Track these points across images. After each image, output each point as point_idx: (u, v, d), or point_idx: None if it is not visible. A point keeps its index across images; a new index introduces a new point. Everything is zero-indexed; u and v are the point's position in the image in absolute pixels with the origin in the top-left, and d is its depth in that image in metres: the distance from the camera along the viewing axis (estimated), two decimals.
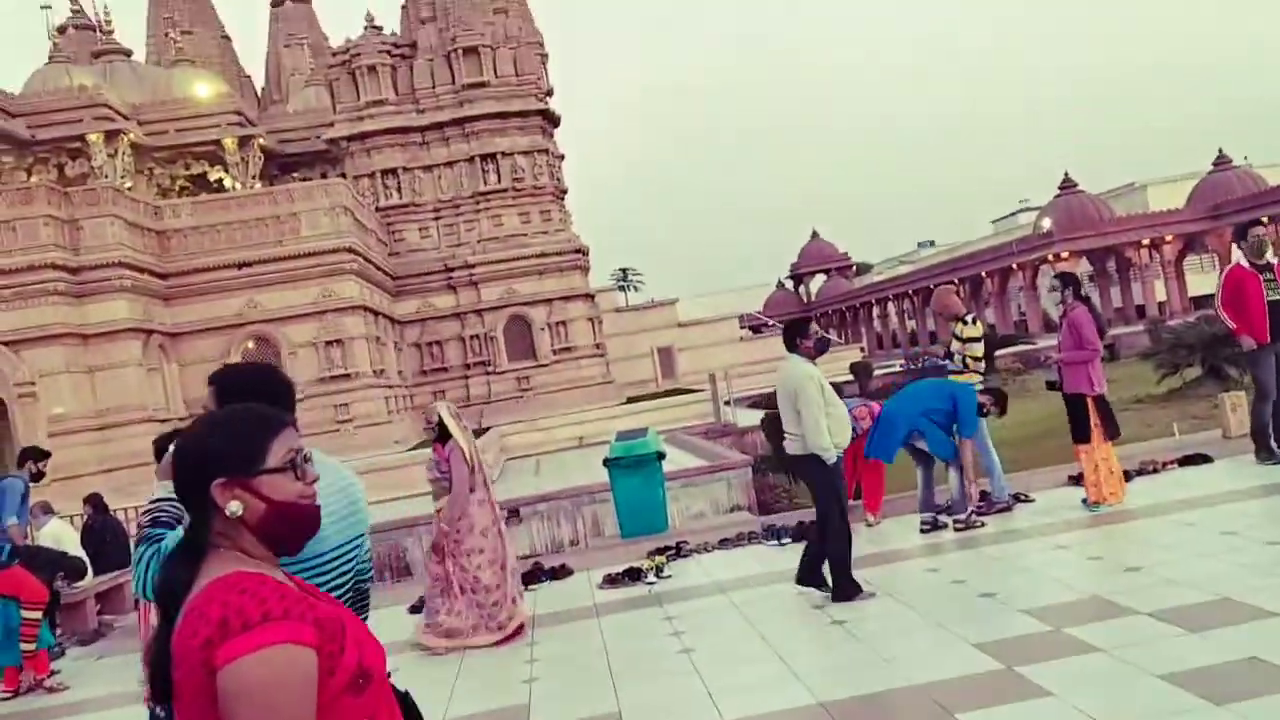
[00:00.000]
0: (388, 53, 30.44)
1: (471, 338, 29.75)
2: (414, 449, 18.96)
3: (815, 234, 76.89)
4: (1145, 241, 46.97)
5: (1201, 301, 48.30)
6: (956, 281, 50.83)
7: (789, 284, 78.39)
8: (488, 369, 29.72)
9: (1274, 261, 8.49)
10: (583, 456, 19.77)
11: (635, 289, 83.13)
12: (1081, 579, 5.83)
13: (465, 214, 30.36)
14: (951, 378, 8.47)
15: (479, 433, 23.34)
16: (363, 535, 2.39)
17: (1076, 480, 8.25)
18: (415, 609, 7.31)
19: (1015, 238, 54.53)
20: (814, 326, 6.60)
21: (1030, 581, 5.95)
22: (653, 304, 42.98)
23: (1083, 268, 48.60)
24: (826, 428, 6.06)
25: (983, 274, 54.24)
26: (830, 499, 6.17)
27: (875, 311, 72.34)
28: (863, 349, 50.14)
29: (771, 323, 51.89)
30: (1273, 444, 8.25)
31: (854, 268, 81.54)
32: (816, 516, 6.37)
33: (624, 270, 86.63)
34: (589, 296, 31.57)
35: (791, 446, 6.29)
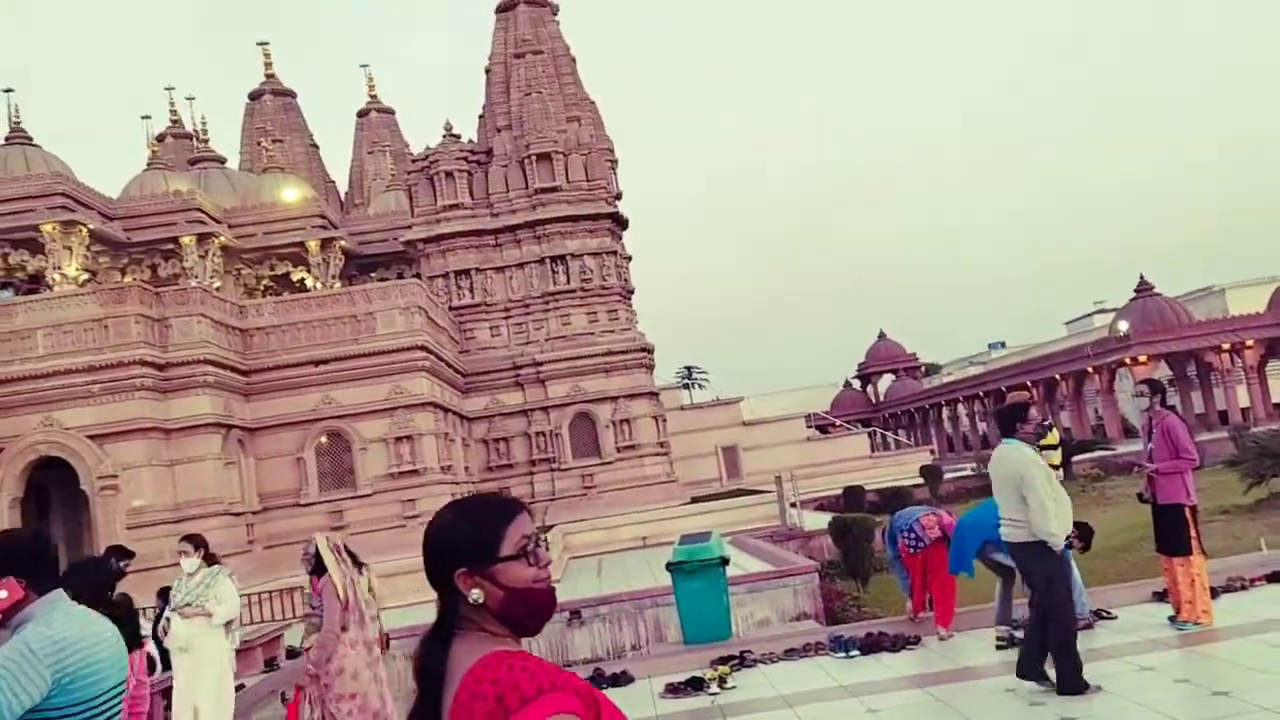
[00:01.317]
0: (464, 159, 31.60)
1: (537, 434, 29.99)
2: None
3: (882, 334, 76.50)
4: (1226, 346, 45.76)
5: None
6: (1029, 384, 49.96)
7: (856, 384, 77.82)
8: (553, 465, 29.84)
9: None
10: (645, 557, 19.59)
11: (700, 387, 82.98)
12: (1169, 704, 5.57)
13: (534, 313, 30.96)
14: None
15: (544, 530, 23.30)
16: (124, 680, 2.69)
17: (1161, 596, 7.93)
18: None
19: (1090, 340, 53.56)
20: (1033, 411, 6.61)
21: (1114, 707, 5.70)
22: (717, 402, 42.92)
23: (1161, 372, 47.44)
24: (1054, 514, 6.01)
25: (1056, 376, 53.18)
26: (1054, 587, 6.06)
27: (945, 413, 71.18)
28: (933, 451, 49.24)
29: (839, 423, 51.37)
30: None
31: (923, 368, 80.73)
32: (1037, 606, 6.19)
33: (689, 368, 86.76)
34: (654, 394, 31.71)
35: (1014, 534, 6.23)
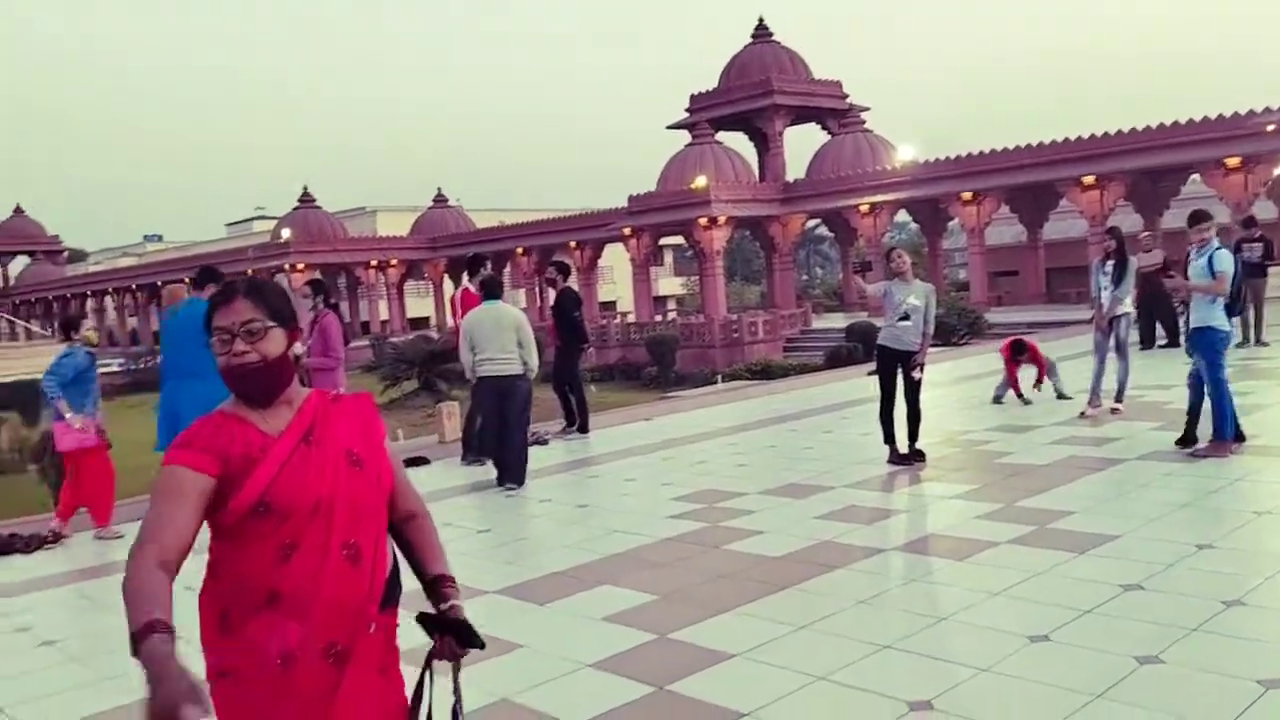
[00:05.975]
0: None
1: None
2: None
3: (19, 209, 67.03)
4: (374, 262, 50.53)
5: (418, 322, 53.67)
6: (188, 280, 48.76)
7: None
8: None
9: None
10: None
11: None
12: None
13: None
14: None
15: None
16: None
17: None
18: None
19: (253, 244, 54.32)
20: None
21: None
22: None
23: None
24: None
25: None
26: (528, 409, 8.36)
27: (90, 304, 65.64)
28: None
29: None
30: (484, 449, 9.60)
31: (65, 253, 73.00)
32: (507, 422, 8.13)
33: None
34: None
35: (507, 369, 8.16)
